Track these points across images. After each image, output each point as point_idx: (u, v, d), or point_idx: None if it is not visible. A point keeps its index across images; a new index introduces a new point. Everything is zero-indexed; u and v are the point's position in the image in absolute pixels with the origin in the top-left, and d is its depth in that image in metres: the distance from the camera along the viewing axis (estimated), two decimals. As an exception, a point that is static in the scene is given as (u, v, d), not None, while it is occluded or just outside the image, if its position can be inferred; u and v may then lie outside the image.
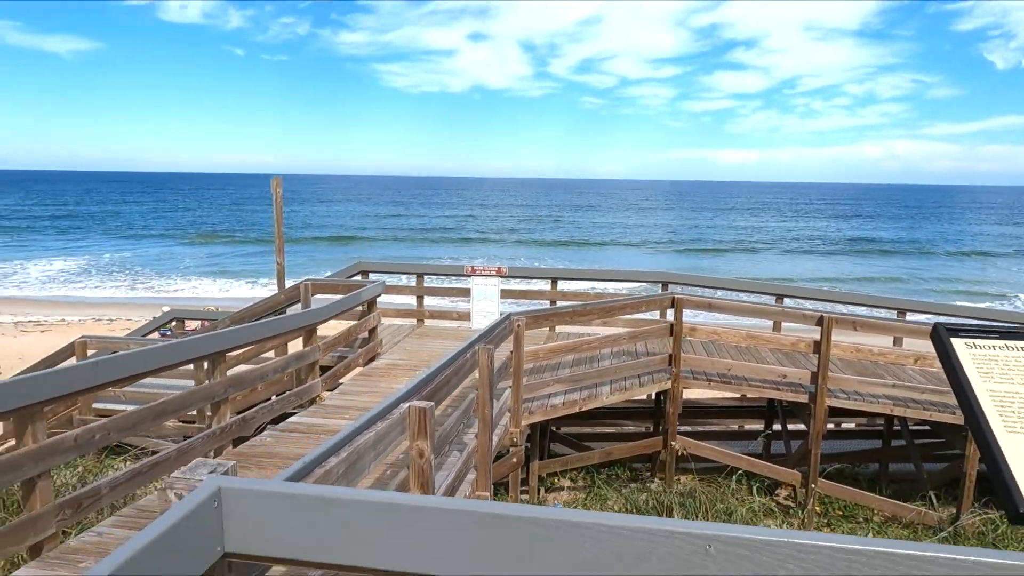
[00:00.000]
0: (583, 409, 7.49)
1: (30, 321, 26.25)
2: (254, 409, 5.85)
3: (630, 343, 8.32)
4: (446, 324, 10.86)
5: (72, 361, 8.84)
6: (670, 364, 8.10)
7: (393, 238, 52.49)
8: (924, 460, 9.21)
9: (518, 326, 6.47)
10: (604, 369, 7.72)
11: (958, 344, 1.70)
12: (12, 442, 4.23)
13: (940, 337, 1.73)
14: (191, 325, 12.37)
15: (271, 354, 8.73)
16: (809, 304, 9.83)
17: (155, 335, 11.70)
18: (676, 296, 8.08)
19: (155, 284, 33.81)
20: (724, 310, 8.25)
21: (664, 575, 1.24)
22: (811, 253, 47.31)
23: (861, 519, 8.19)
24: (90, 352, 9.26)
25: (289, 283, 10.33)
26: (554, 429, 9.27)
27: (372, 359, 8.74)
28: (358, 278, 10.54)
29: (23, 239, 51.01)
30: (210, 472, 1.51)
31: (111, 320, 25.69)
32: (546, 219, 72.22)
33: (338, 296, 9.61)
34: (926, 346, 6.05)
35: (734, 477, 8.13)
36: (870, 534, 7.78)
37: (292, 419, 6.47)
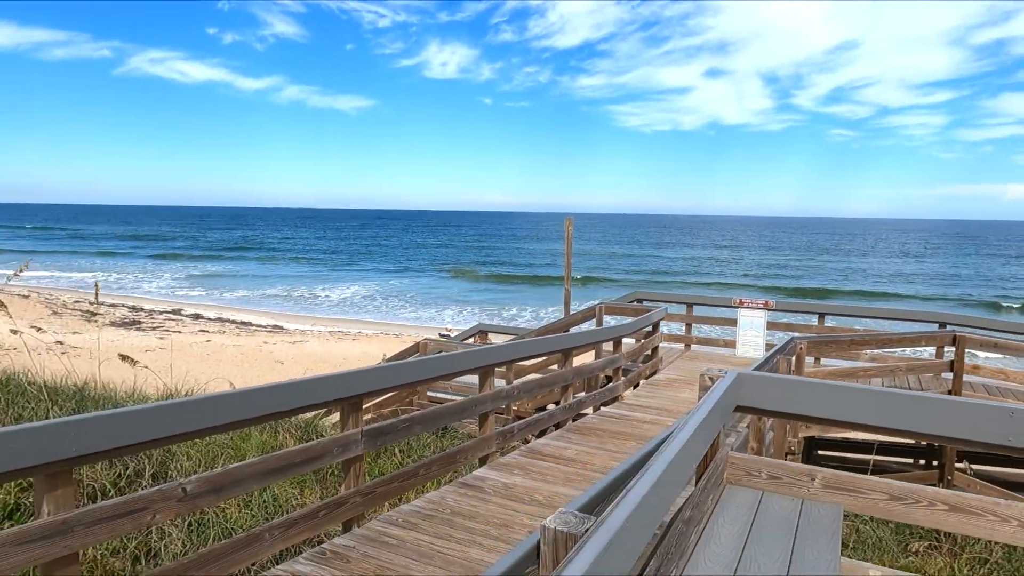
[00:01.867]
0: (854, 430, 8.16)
1: (338, 331, 32.40)
2: (581, 396, 7.65)
3: (904, 376, 8.77)
4: (712, 350, 12.02)
5: (418, 355, 11.63)
6: (948, 400, 8.41)
7: (628, 281, 53.15)
8: None
9: (800, 348, 7.50)
10: (878, 397, 8.32)
11: None
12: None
13: None
14: (493, 338, 14.89)
15: (555, 367, 10.68)
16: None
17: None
18: (957, 334, 8.42)
19: (420, 312, 39.43)
20: (1012, 351, 8.35)
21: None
22: None
23: None
24: (429, 349, 12.02)
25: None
26: (820, 452, 9.90)
27: (654, 373, 10.25)
28: (635, 304, 12.18)
29: (319, 268, 62.08)
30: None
31: (397, 335, 30.77)
32: (792, 263, 68.01)
33: (625, 318, 11.30)
34: None
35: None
36: None
37: (604, 409, 8.18)
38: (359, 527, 4.21)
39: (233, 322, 34.45)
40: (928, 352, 10.79)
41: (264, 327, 32.90)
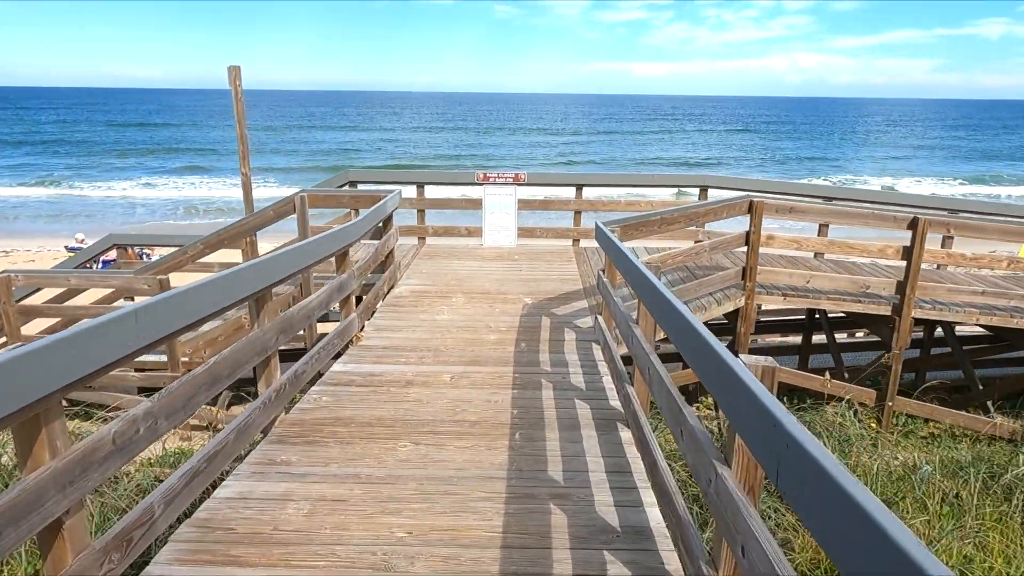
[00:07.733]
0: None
1: (-95, 256, 22.50)
2: (302, 362, 4.32)
3: (710, 256, 7.17)
4: (455, 242, 9.36)
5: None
6: (744, 279, 7.06)
7: (314, 167, 45.71)
8: (979, 367, 8.91)
9: (616, 232, 5.16)
10: (684, 288, 6.57)
11: None
12: None
13: None
14: (135, 253, 10.26)
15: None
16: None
17: (95, 266, 9.60)
18: (754, 200, 6.94)
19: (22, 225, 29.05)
20: (807, 214, 7.19)
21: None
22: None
23: (931, 434, 7.72)
24: (15, 287, 7.22)
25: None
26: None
27: (392, 287, 7.22)
28: (350, 190, 8.78)
29: None
30: None
31: (6, 253, 22.28)
32: (488, 142, 66.04)
33: (341, 211, 7.99)
34: None
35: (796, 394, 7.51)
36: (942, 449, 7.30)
37: (335, 369, 4.99)
38: None
39: None
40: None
41: None
